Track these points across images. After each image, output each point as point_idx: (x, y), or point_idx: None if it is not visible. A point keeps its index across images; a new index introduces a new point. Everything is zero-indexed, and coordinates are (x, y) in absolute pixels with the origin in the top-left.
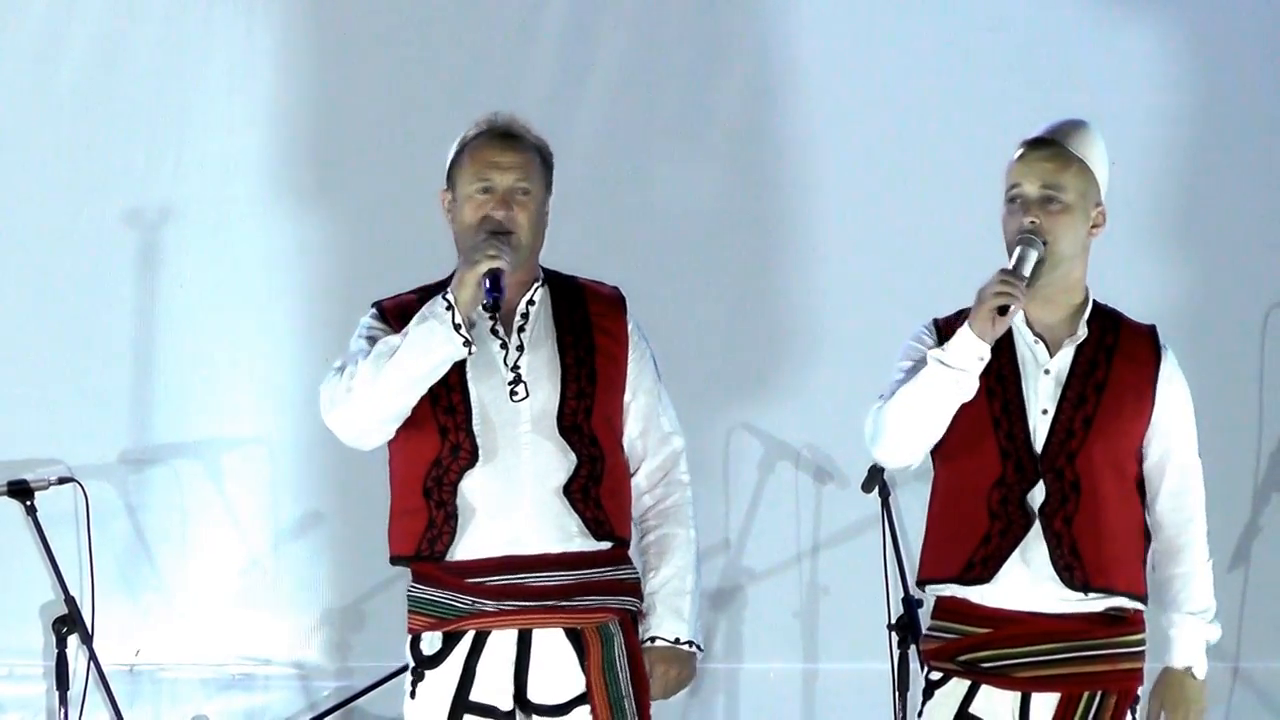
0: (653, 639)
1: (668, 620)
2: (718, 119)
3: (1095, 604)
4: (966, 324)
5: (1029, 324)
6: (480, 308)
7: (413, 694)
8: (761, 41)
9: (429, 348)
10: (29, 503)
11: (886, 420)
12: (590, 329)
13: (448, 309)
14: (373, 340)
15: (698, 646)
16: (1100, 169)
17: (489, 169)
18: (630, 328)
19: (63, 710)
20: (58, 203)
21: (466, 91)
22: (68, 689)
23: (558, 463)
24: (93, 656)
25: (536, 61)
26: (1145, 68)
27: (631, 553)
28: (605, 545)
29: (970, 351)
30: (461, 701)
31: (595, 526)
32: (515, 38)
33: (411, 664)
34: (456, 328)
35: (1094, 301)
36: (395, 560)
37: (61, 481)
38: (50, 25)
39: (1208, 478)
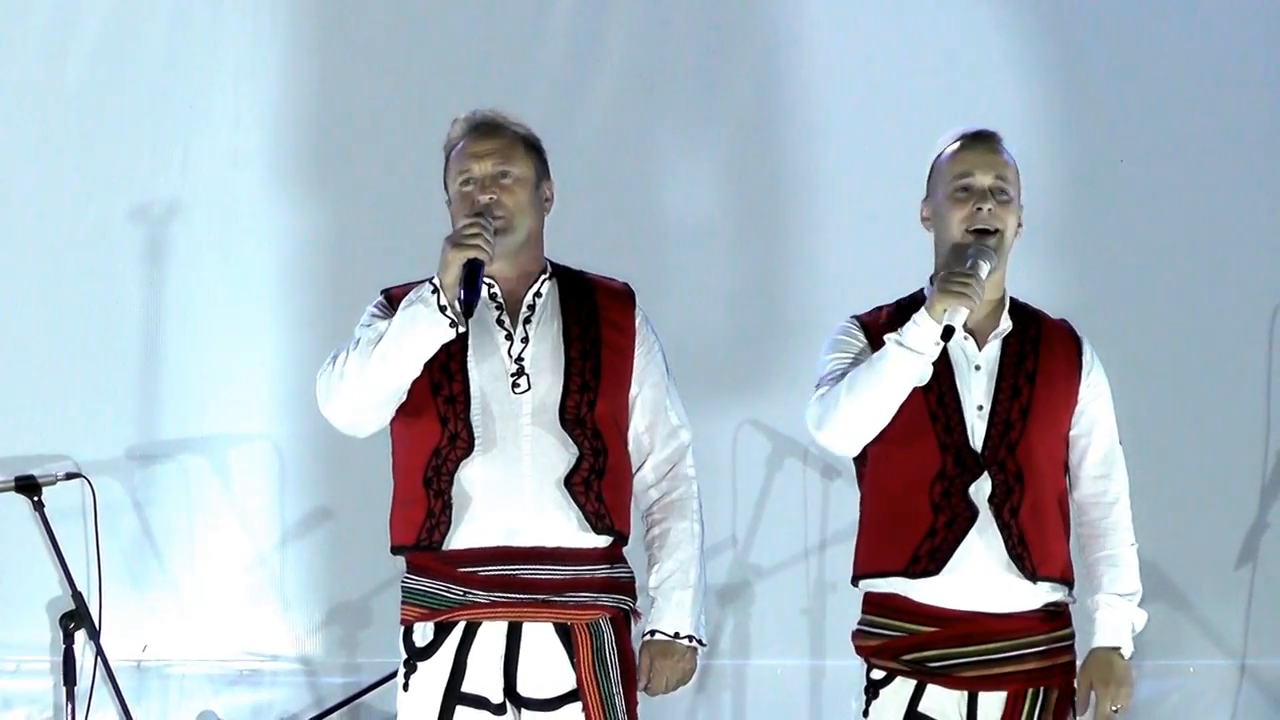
0: (652, 633)
1: (668, 614)
2: (724, 117)
3: (1035, 601)
4: (924, 309)
5: None
6: (455, 303)
7: (405, 686)
8: (767, 39)
9: (415, 330)
10: (36, 498)
11: (840, 403)
12: (597, 322)
13: (433, 291)
14: (370, 329)
15: (699, 641)
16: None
17: (468, 160)
18: (638, 321)
19: (70, 706)
20: (64, 198)
21: (473, 88)
22: (75, 685)
23: (558, 455)
24: (100, 652)
25: (543, 58)
26: (1150, 66)
27: (636, 546)
28: (603, 541)
29: (928, 335)
30: (453, 693)
31: (595, 520)
32: (522, 34)
33: (404, 655)
34: (442, 309)
35: (1011, 297)
36: (396, 550)
37: (69, 477)
38: (57, 21)
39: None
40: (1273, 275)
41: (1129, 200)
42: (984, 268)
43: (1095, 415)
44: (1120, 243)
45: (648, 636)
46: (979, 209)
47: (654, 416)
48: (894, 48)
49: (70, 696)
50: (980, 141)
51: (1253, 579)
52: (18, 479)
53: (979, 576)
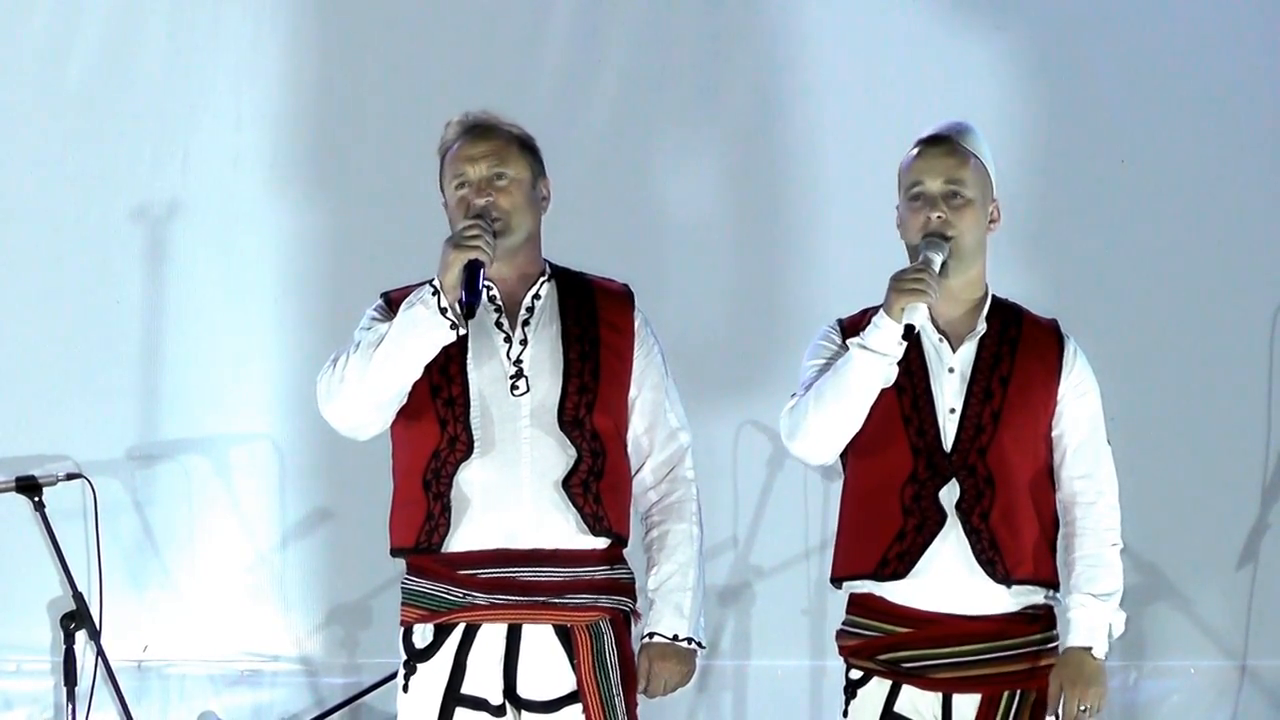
0: (651, 635)
1: (667, 617)
2: (724, 117)
3: (1013, 604)
4: (882, 311)
5: (933, 321)
6: (456, 304)
7: (405, 687)
8: (767, 40)
9: (415, 332)
10: (37, 499)
11: (809, 413)
12: (596, 324)
13: (434, 293)
14: (370, 332)
15: (699, 644)
16: (991, 167)
17: (463, 163)
18: (638, 323)
19: (70, 706)
20: (65, 198)
21: (474, 88)
22: (75, 685)
23: (557, 457)
24: (100, 653)
25: (542, 61)
26: (1151, 66)
27: (635, 549)
28: (601, 543)
29: (890, 336)
30: (453, 694)
31: (593, 522)
32: (521, 36)
33: (404, 657)
34: (443, 311)
35: (993, 296)
36: (395, 552)
37: (70, 478)
38: (58, 21)
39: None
40: (1273, 275)
41: (1130, 200)
42: (936, 260)
43: (1076, 415)
44: (1120, 243)
45: (646, 639)
46: (929, 217)
47: (653, 418)
48: (893, 48)
49: (71, 697)
50: (932, 146)
51: (1253, 580)
52: (18, 479)
53: (946, 580)
